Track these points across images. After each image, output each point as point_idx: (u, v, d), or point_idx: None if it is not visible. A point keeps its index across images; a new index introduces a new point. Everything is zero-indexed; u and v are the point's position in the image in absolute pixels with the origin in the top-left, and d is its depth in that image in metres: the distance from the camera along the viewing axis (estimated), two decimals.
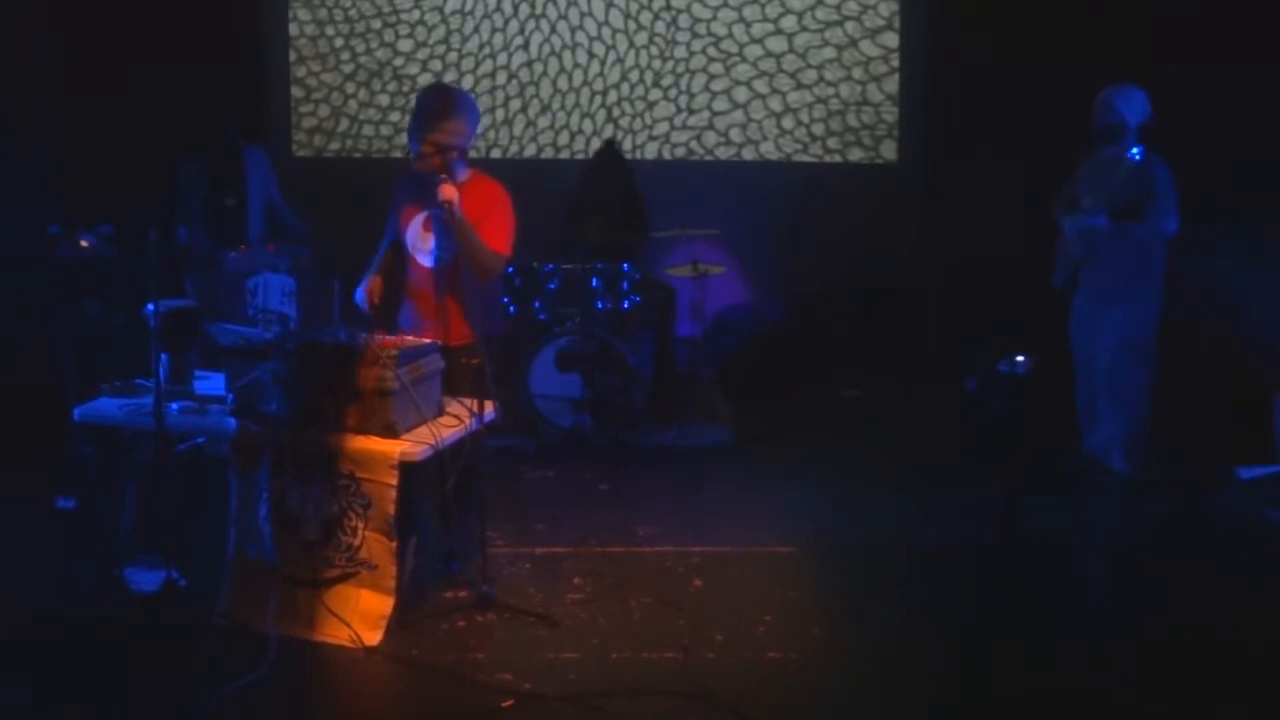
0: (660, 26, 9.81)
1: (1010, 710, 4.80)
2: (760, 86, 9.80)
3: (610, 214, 8.72)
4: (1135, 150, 6.83)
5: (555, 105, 9.90)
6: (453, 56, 9.88)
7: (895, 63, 9.74)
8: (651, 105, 9.87)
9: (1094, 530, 6.64)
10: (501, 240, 5.82)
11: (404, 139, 9.77)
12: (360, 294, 5.82)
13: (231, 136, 7.87)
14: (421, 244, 5.84)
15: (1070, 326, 7.19)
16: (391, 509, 5.22)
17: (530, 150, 9.92)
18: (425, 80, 9.82)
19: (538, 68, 9.88)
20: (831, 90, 9.79)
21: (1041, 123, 8.05)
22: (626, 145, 9.78)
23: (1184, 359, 7.25)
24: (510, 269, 8.20)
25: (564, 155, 9.87)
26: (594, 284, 8.19)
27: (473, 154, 9.87)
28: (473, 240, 5.67)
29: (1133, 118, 6.83)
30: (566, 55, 9.85)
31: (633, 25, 9.81)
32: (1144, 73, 7.09)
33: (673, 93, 9.85)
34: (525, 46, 9.86)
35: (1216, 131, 7.44)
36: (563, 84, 9.88)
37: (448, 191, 5.59)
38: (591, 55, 9.85)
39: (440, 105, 5.76)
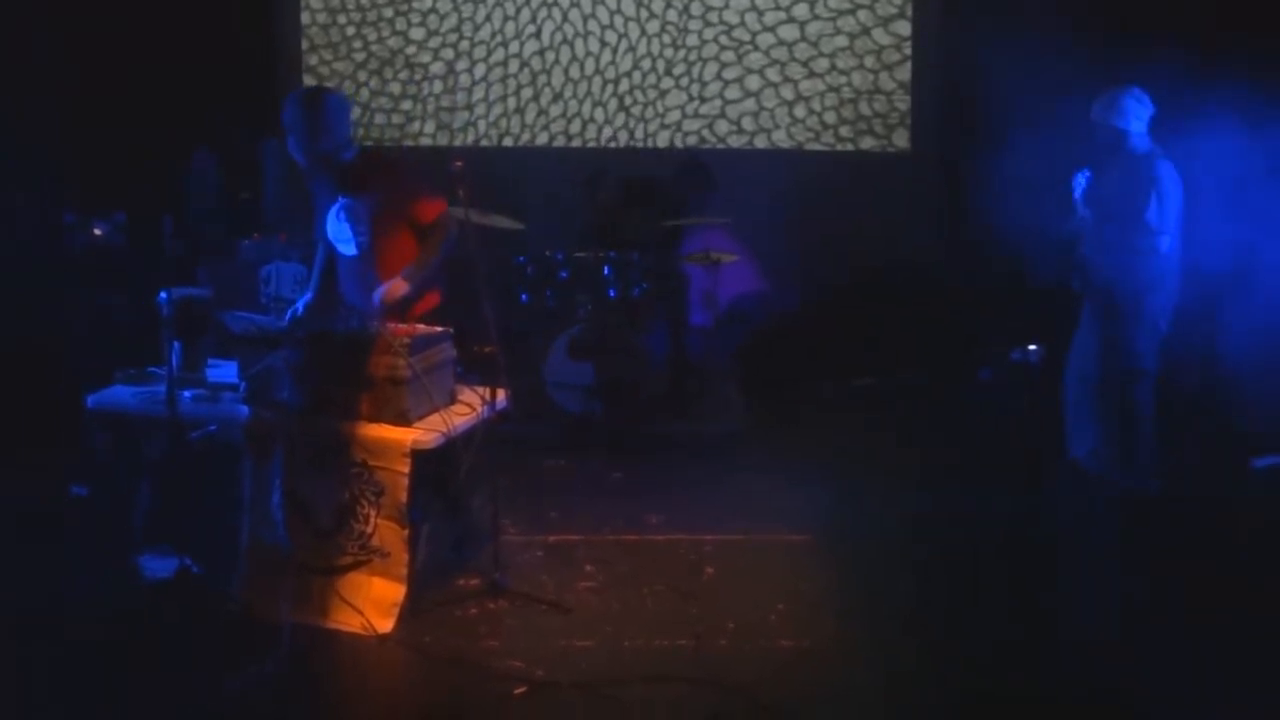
0: (672, 14, 9.79)
1: (1019, 700, 4.79)
2: (772, 75, 9.79)
3: (664, 214, 8.66)
4: (1083, 174, 6.73)
5: (567, 94, 9.89)
6: (464, 45, 9.87)
7: (908, 51, 9.72)
8: (663, 93, 9.85)
9: (1104, 522, 6.61)
10: (429, 207, 5.95)
11: (417, 127, 9.82)
12: (288, 315, 6.02)
13: (244, 130, 7.89)
14: (340, 234, 5.98)
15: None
16: (404, 497, 5.22)
17: (542, 139, 9.91)
18: (437, 68, 9.82)
19: (549, 56, 9.87)
20: (844, 78, 9.77)
21: (1055, 110, 8.01)
22: (638, 134, 9.78)
23: (1194, 350, 7.22)
24: (522, 258, 8.21)
25: (575, 144, 9.86)
26: (605, 272, 8.18)
27: (485, 142, 9.96)
28: (432, 263, 5.89)
29: (1118, 121, 6.70)
30: (578, 43, 9.84)
31: (644, 13, 9.79)
32: (1161, 56, 7.06)
33: (685, 81, 9.83)
34: (537, 34, 9.85)
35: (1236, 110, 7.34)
36: (574, 72, 9.87)
37: (396, 289, 5.82)
38: (603, 43, 9.83)
39: (309, 115, 5.85)
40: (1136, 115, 6.64)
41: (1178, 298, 6.74)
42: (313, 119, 5.82)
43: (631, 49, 9.83)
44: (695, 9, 9.77)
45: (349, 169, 5.93)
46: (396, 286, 5.81)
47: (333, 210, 5.98)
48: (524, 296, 8.22)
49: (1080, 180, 6.78)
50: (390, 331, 5.34)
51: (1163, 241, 6.54)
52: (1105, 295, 6.73)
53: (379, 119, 9.97)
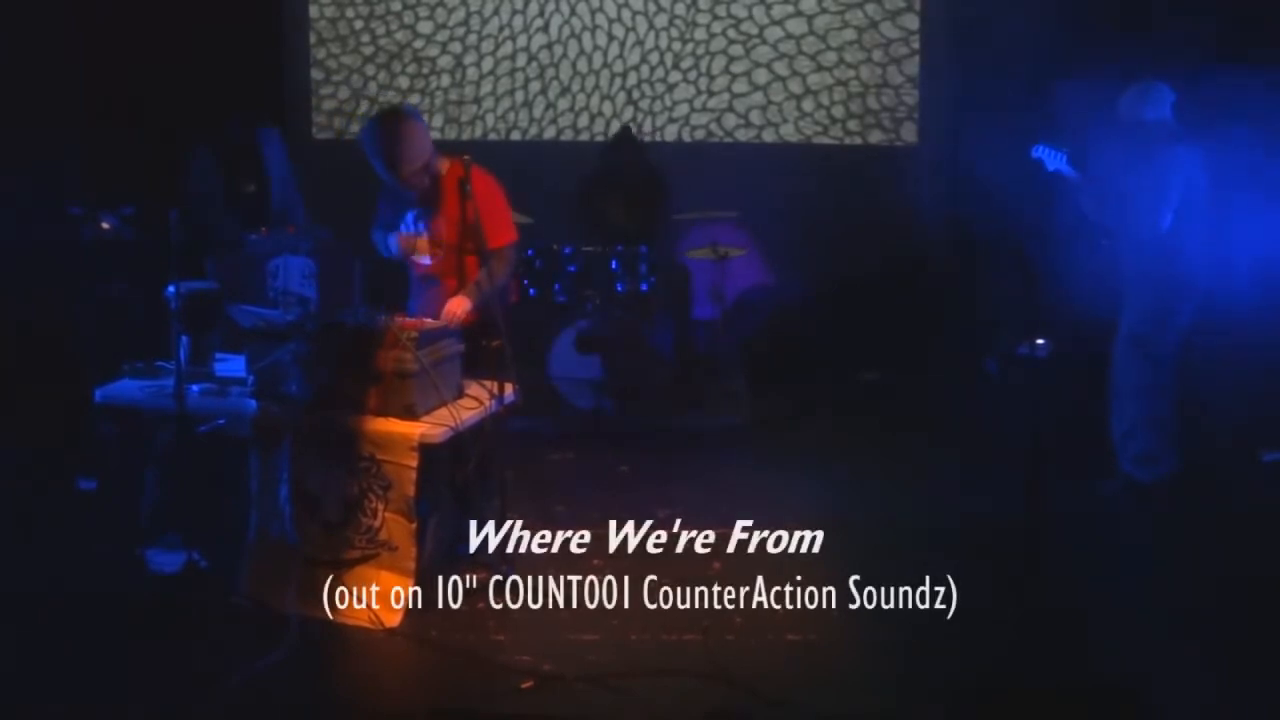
0: (680, 8, 9.78)
1: (1028, 693, 4.78)
2: (780, 68, 9.77)
3: (631, 196, 8.71)
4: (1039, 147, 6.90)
5: (575, 87, 9.88)
6: (472, 39, 9.86)
7: (916, 45, 9.70)
8: (671, 87, 9.84)
9: (1111, 516, 6.60)
10: (502, 231, 5.94)
11: (424, 121, 9.79)
12: (392, 240, 5.97)
13: (244, 124, 7.88)
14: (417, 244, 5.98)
15: None
16: (411, 490, 5.23)
17: (550, 133, 9.91)
18: (445, 63, 9.81)
19: (557, 50, 9.86)
20: (852, 72, 9.75)
21: (1062, 105, 8.00)
22: (646, 127, 9.77)
23: (1209, 343, 7.20)
24: (530, 251, 8.21)
25: (584, 138, 9.85)
26: (613, 266, 8.19)
27: (493, 136, 9.95)
28: (492, 289, 5.72)
29: (1140, 114, 6.71)
30: (586, 37, 9.83)
31: (652, 7, 9.78)
32: (1171, 44, 7.03)
33: (692, 75, 9.82)
34: (545, 28, 9.84)
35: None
36: (582, 66, 9.86)
37: (457, 307, 5.79)
38: (611, 37, 9.82)
39: (399, 135, 5.77)
40: (1155, 104, 6.70)
41: (1196, 296, 6.72)
42: (396, 141, 5.75)
43: (639, 43, 9.82)
44: (703, 3, 9.76)
45: (435, 180, 5.91)
46: (457, 304, 5.80)
47: (408, 218, 5.97)
48: (532, 290, 8.23)
49: (1048, 156, 6.87)
50: (398, 325, 5.34)
51: (1162, 219, 6.55)
52: (1130, 265, 6.77)
53: None
